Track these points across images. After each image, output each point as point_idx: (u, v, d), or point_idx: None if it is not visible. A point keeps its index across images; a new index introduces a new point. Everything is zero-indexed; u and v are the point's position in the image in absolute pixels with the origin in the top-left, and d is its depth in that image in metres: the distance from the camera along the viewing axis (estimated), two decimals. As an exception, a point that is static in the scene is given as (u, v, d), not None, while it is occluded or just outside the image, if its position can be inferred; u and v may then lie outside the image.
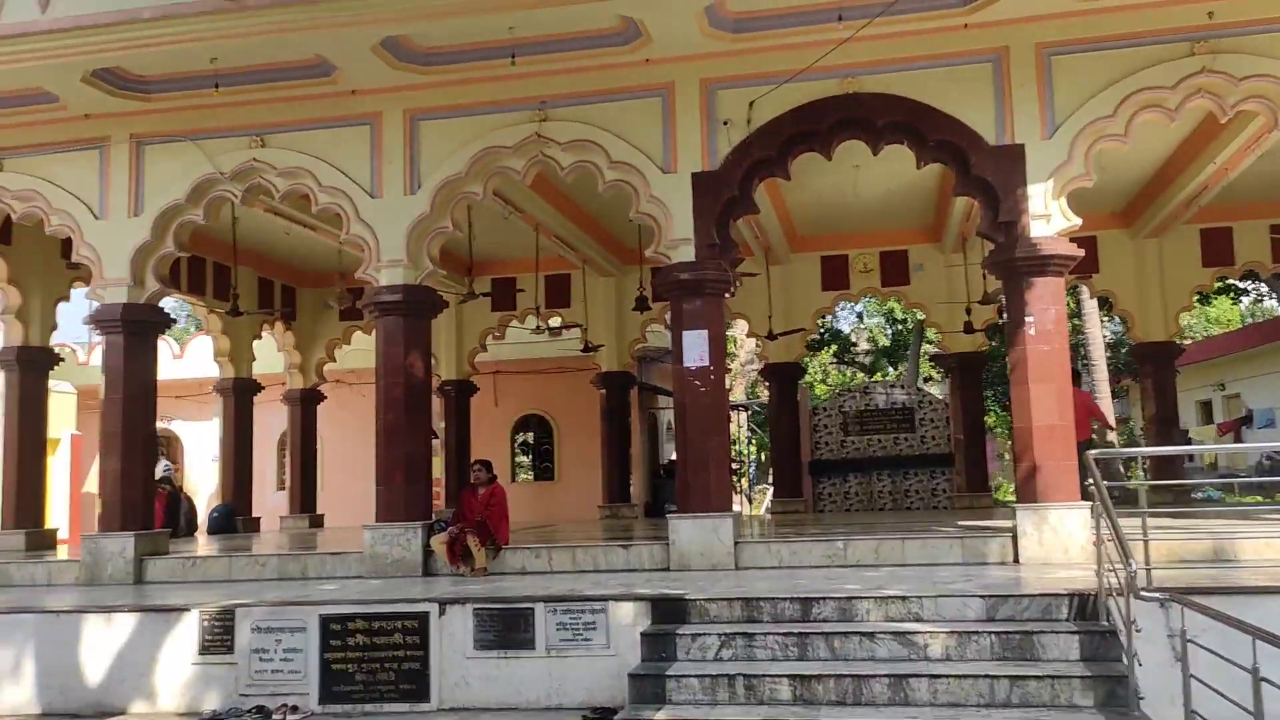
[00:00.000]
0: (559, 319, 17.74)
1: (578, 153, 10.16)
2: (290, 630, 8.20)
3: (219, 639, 8.31)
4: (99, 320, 10.91)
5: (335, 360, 18.87)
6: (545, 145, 10.22)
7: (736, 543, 9.51)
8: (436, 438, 20.02)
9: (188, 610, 8.39)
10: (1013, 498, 11.22)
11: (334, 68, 10.01)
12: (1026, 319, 9.26)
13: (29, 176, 11.12)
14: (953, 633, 6.77)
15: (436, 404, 18.43)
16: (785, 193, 13.67)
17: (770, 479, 21.78)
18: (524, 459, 23.30)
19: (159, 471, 16.32)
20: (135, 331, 10.99)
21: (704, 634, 7.15)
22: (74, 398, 22.37)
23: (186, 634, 8.33)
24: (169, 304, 13.18)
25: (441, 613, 7.96)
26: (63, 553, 12.70)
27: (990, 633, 6.71)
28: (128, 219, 10.95)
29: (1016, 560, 9.02)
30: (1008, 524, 9.38)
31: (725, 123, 9.90)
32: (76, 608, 8.72)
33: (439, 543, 9.83)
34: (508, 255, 16.61)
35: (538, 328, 16.83)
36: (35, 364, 13.55)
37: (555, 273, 17.13)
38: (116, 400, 10.90)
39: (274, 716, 7.94)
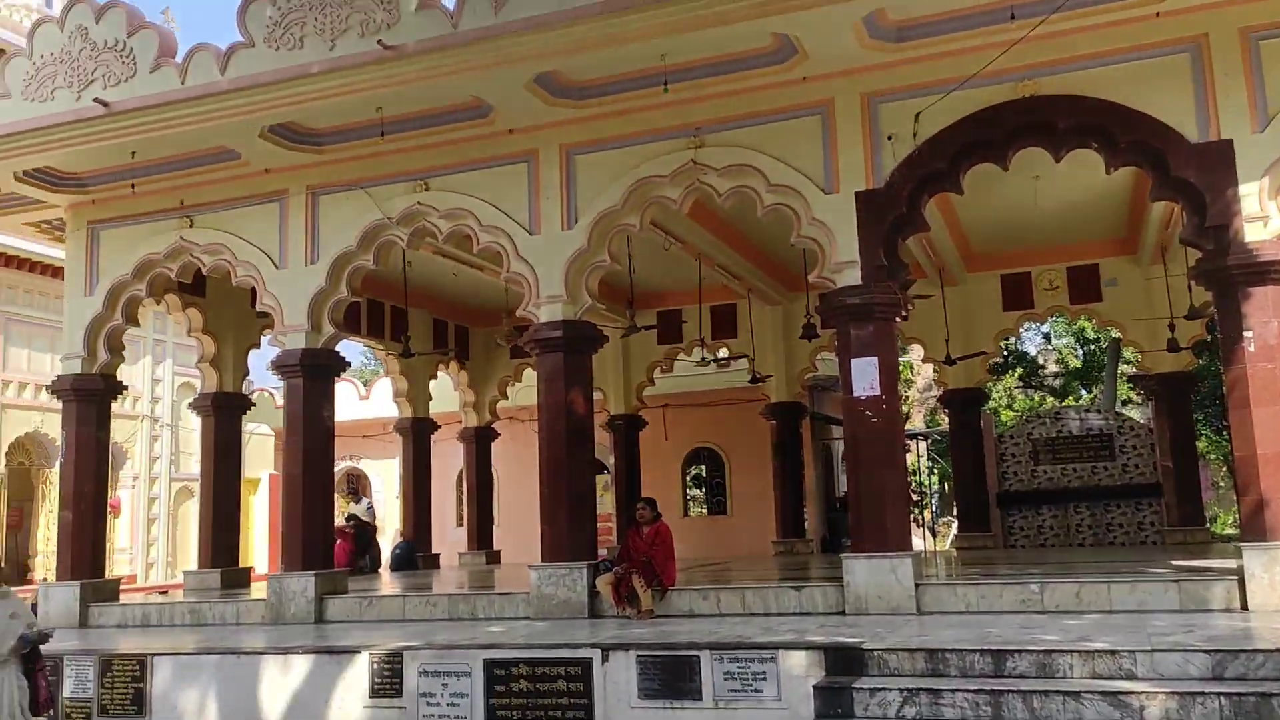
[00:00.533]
0: (725, 350, 17.40)
1: (735, 178, 9.84)
2: (456, 674, 8.10)
3: (388, 682, 8.30)
4: (280, 365, 11.29)
5: (508, 398, 19.14)
6: (701, 172, 9.95)
7: (918, 585, 8.86)
8: (605, 472, 20.02)
9: (359, 653, 8.43)
10: (1232, 531, 10.07)
11: (490, 108, 10.07)
12: (1245, 334, 8.28)
13: (216, 231, 11.67)
14: (1173, 694, 5.97)
15: (605, 439, 18.39)
16: (958, 209, 12.92)
17: (954, 511, 20.67)
18: (696, 492, 22.99)
19: (361, 510, 16.91)
20: (314, 375, 11.30)
21: (883, 689, 6.59)
22: (272, 439, 23.63)
23: (358, 676, 8.36)
24: (354, 348, 13.70)
25: (604, 659, 7.68)
26: (257, 590, 13.17)
27: (1218, 694, 5.88)
28: (305, 267, 11.31)
29: (1244, 607, 8.00)
30: (1232, 564, 8.37)
31: (890, 137, 9.37)
32: (255, 649, 8.90)
33: (604, 584, 9.61)
34: (671, 287, 16.42)
35: (703, 359, 16.53)
36: (229, 408, 14.23)
37: (720, 303, 16.83)
38: (297, 442, 11.24)
39: (441, 762, 7.84)
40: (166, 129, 10.25)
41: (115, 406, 19.03)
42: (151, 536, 19.79)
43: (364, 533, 16.64)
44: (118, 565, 19.40)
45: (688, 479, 21.88)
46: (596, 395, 17.21)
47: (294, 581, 10.86)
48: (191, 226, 11.73)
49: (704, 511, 21.98)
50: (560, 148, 10.45)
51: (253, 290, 11.90)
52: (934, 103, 9.13)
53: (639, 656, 7.61)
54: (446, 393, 19.78)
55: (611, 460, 18.36)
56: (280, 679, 8.59)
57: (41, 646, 7.37)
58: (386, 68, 9.35)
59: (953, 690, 6.39)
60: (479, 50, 9.02)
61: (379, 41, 9.24)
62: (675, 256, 13.65)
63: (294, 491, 11.16)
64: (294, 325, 11.24)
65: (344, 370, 11.75)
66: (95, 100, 10.24)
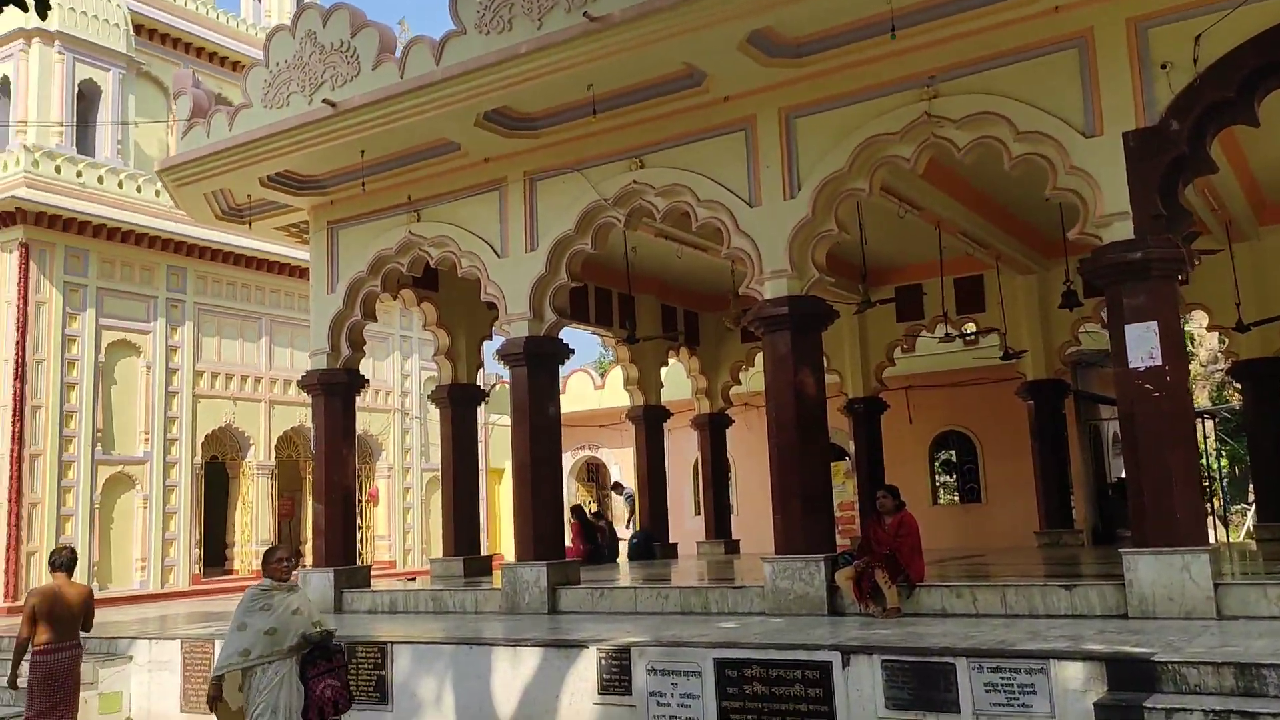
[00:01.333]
0: (973, 325, 16.08)
1: (976, 128, 8.81)
2: (685, 673, 7.64)
3: (617, 678, 7.96)
4: (504, 354, 11.25)
5: (740, 383, 18.61)
6: (937, 125, 8.99)
7: (1217, 585, 7.57)
8: (845, 458, 19.09)
9: (586, 647, 8.14)
10: None
11: (703, 75, 9.53)
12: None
13: (441, 223, 11.78)
14: None
15: (843, 424, 17.50)
16: (1247, 150, 11.21)
17: (1248, 499, 18.29)
18: (946, 479, 21.60)
19: (622, 501, 16.84)
20: (537, 363, 11.19)
21: (1182, 708, 5.53)
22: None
23: (586, 671, 8.07)
24: (581, 337, 13.60)
25: (845, 664, 6.98)
26: (499, 579, 13.32)
27: None
28: (525, 254, 11.21)
29: None
30: None
31: (1164, 66, 8.07)
32: (486, 640, 8.81)
33: (844, 578, 8.86)
34: (909, 259, 15.33)
35: (947, 335, 15.32)
36: (465, 400, 14.48)
37: (965, 274, 15.56)
38: (524, 430, 11.16)
39: (673, 766, 7.40)
40: (389, 123, 10.37)
41: (369, 400, 20.23)
42: (407, 525, 20.70)
43: (589, 523, 16.60)
44: (378, 551, 20.41)
45: (936, 465, 20.56)
46: (832, 378, 16.42)
47: (527, 571, 10.78)
48: (419, 221, 11.91)
49: (955, 499, 20.60)
50: (779, 112, 9.77)
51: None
52: (1218, 20, 7.78)
53: (885, 661, 6.87)
54: (680, 380, 19.51)
55: (851, 446, 17.44)
56: (511, 671, 8.44)
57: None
58: (594, 40, 8.99)
59: (1274, 715, 5.26)
60: (687, 11, 8.48)
61: (584, 14, 8.90)
62: (912, 225, 12.63)
63: (523, 480, 11.09)
64: (516, 314, 11.16)
65: (567, 358, 11.57)
66: (324, 101, 10.52)
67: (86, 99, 16.88)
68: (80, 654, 8.14)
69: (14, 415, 14.44)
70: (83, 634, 8.18)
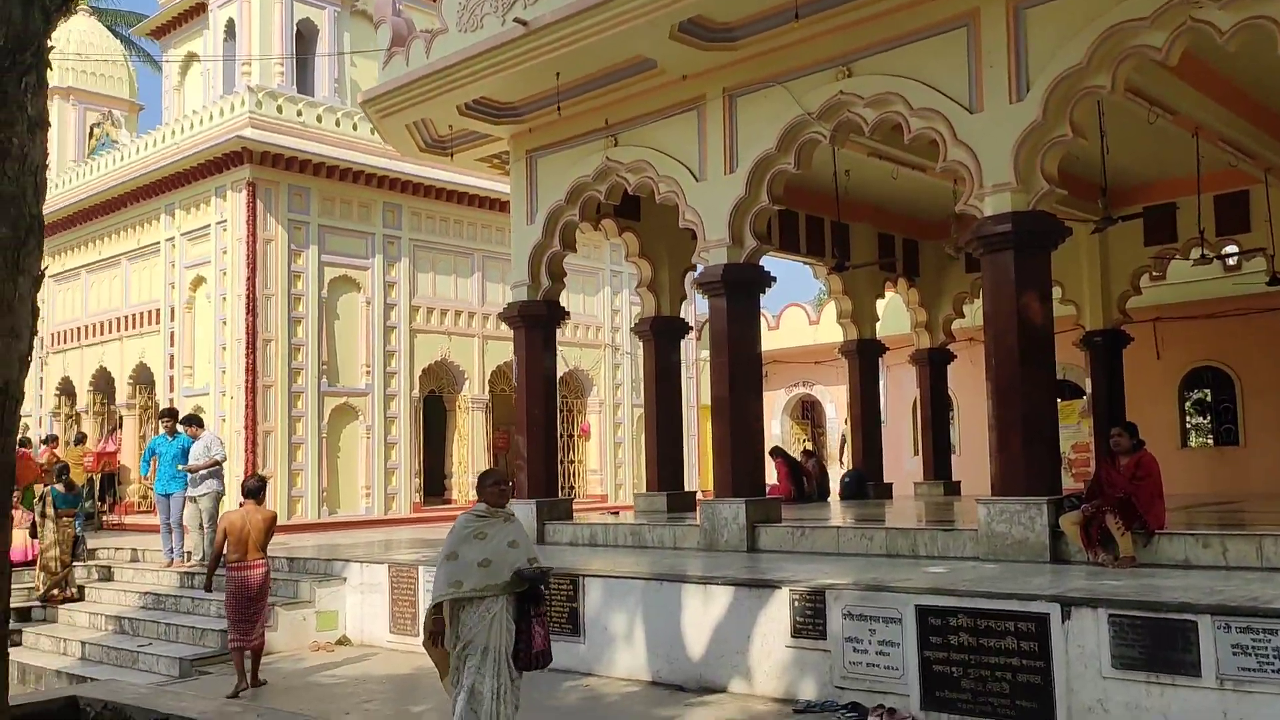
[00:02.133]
0: (1235, 247, 14.24)
1: (1243, 7, 7.50)
2: (884, 620, 7.05)
3: (810, 622, 7.46)
4: (703, 283, 10.80)
5: (964, 316, 17.41)
6: (1194, 7, 7.72)
7: None
8: (1082, 396, 17.59)
9: (779, 588, 7.67)
10: None
11: (916, -35, 8.59)
12: None
13: (638, 147, 11.39)
14: None
15: (1078, 359, 16.05)
16: None
17: None
18: (1199, 420, 19.56)
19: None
20: (736, 292, 10.67)
21: None
22: (723, 366, 23.80)
23: (779, 612, 7.62)
24: (797, 272, 12.89)
25: (1065, 616, 6.19)
26: (686, 520, 13.04)
27: None
28: (724, 177, 10.66)
29: None
30: None
31: None
32: (674, 575, 8.50)
33: (1070, 523, 7.94)
34: (1159, 173, 13.69)
35: (1203, 258, 13.59)
36: (668, 333, 14.16)
37: (1227, 190, 13.77)
38: (723, 364, 10.71)
39: (870, 718, 6.86)
40: (581, 39, 10.02)
41: (579, 335, 20.34)
42: (618, 459, 20.82)
43: (794, 461, 16.01)
44: (589, 485, 20.64)
45: (1187, 405, 18.62)
46: (1067, 309, 15.03)
47: (725, 508, 10.39)
48: (616, 145, 11.56)
49: (1208, 442, 18.63)
50: (1006, 2, 8.70)
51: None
52: None
53: (1112, 616, 6.05)
54: (898, 313, 18.50)
55: (1088, 384, 15.97)
56: (702, 609, 8.10)
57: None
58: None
59: None
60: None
61: (781, -98, 8.16)
62: (1163, 132, 11.15)
63: (722, 414, 10.67)
64: (715, 240, 10.66)
65: (768, 286, 10.96)
66: (515, 20, 10.28)
67: (305, 39, 17.53)
68: (267, 570, 8.83)
69: (248, 349, 15.32)
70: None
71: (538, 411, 12.38)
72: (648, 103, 11.28)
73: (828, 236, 15.69)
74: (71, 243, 19.48)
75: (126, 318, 18.04)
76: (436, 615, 5.77)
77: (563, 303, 12.91)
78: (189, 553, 12.12)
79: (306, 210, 16.21)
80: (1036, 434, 8.51)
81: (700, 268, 11.03)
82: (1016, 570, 7.77)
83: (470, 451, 18.18)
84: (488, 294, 18.42)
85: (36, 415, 20.18)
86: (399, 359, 17.16)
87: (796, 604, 7.50)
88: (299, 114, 16.31)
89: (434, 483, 18.75)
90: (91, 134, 20.90)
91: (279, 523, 14.86)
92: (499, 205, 17.81)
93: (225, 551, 8.62)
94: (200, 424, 12.21)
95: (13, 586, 11.43)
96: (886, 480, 16.60)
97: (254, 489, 8.91)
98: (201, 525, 11.81)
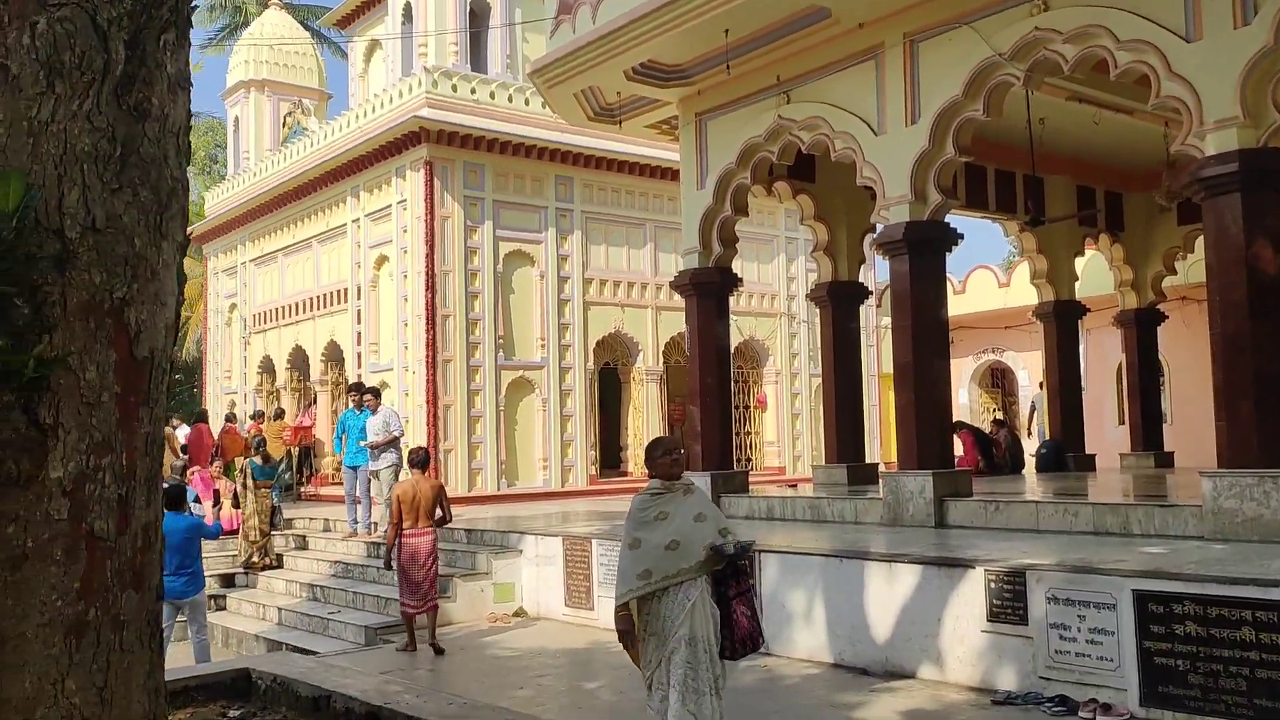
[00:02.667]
0: None
1: None
2: (1095, 605, 6.36)
3: (1009, 605, 6.84)
4: (883, 243, 10.17)
5: (1175, 273, 15.97)
6: None
7: None
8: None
9: (972, 567, 7.08)
10: None
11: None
12: None
13: (812, 103, 10.83)
14: None
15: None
16: None
17: None
18: None
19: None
20: (919, 251, 9.99)
21: None
22: (906, 334, 22.81)
23: (973, 594, 7.03)
24: (983, 232, 11.99)
25: (1317, 608, 5.37)
26: (868, 493, 12.44)
27: None
28: (905, 129, 9.98)
29: None
30: None
31: None
32: (855, 552, 8.01)
33: (1316, 500, 6.97)
34: None
35: None
36: (846, 298, 13.52)
37: None
38: (905, 328, 10.07)
39: (1081, 714, 6.22)
40: (747, -9, 9.55)
41: (754, 304, 19.87)
42: (795, 430, 20.28)
43: (982, 432, 15.06)
44: (767, 457, 20.20)
45: None
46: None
47: (910, 481, 9.78)
48: (788, 103, 11.03)
49: None
50: (1228, -91, 7.70)
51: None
52: None
53: (1376, 609, 5.19)
54: (1099, 272, 17.15)
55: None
56: (886, 589, 7.59)
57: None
58: None
59: None
60: None
61: None
62: None
63: (905, 381, 10.04)
64: (896, 197, 10.00)
65: (955, 244, 10.23)
66: (679, -23, 9.89)
67: (478, 16, 17.68)
68: (435, 538, 9.12)
69: (428, 324, 15.63)
70: (437, 524, 9.15)
71: (711, 381, 12.04)
72: (821, 55, 10.70)
73: (1019, 191, 14.61)
74: (269, 228, 20.45)
75: (318, 297, 18.79)
76: (624, 612, 5.00)
77: (735, 270, 12.49)
78: (375, 524, 12.45)
79: (481, 186, 16.38)
80: (1272, 397, 7.53)
81: (880, 228, 10.39)
82: (1250, 551, 6.89)
83: (645, 423, 18.06)
84: (660, 264, 18.19)
85: (242, 392, 21.38)
86: (573, 332, 17.18)
87: (993, 585, 6.90)
88: (472, 92, 16.47)
89: (610, 455, 18.75)
90: (285, 124, 21.85)
91: (462, 494, 15.28)
92: (670, 174, 17.46)
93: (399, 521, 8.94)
94: (377, 396, 12.50)
95: (218, 555, 11.97)
96: (1088, 452, 15.43)
97: (420, 460, 9.20)
98: (385, 498, 12.10)
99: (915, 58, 9.94)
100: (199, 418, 17.79)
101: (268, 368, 20.68)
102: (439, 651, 8.78)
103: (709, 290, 12.10)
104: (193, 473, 15.29)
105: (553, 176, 17.13)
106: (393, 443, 12.03)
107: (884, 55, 10.17)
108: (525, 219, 16.83)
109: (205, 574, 12.40)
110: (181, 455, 16.24)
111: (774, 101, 11.16)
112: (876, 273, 20.25)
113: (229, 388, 21.88)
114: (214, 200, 22.79)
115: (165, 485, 10.69)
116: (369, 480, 12.36)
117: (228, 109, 23.21)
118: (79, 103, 3.32)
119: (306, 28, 27.73)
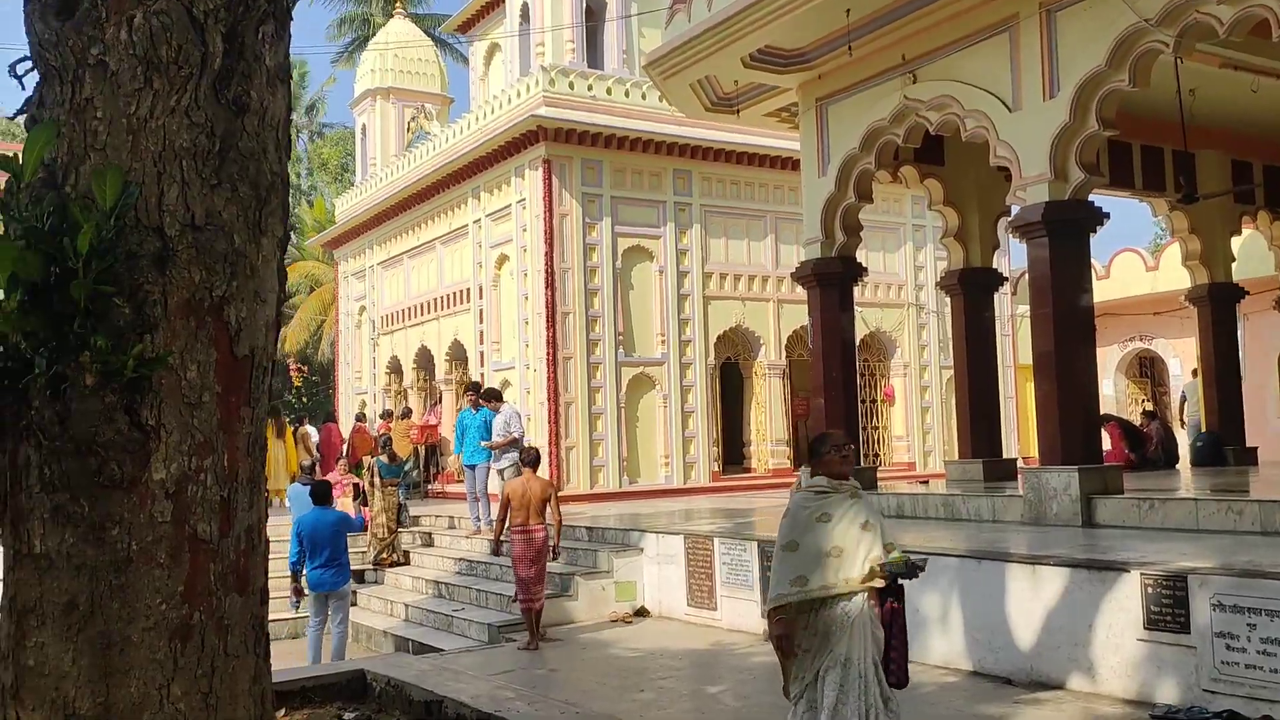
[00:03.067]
0: None
1: None
2: (1268, 613, 5.79)
3: (1168, 612, 6.30)
4: (1020, 225, 9.61)
5: (1344, 252, 14.76)
6: None
7: None
8: None
9: (1125, 571, 6.56)
10: None
11: None
12: None
13: (940, 82, 10.32)
14: None
15: None
16: None
17: None
18: None
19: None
20: (1060, 233, 9.39)
21: None
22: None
23: (1128, 599, 6.52)
24: (1129, 214, 11.26)
25: None
26: (1006, 489, 11.83)
27: None
28: (1042, 103, 9.41)
29: None
30: None
31: None
32: (995, 553, 7.55)
33: None
34: None
35: None
36: (978, 286, 12.92)
37: None
38: (1046, 315, 9.48)
39: (1252, 732, 5.67)
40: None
41: (880, 295, 19.28)
42: (925, 425, 19.59)
43: (1131, 425, 14.16)
44: (895, 453, 19.58)
45: None
46: None
47: (1053, 477, 9.21)
48: (914, 82, 10.54)
49: None
50: None
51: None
52: None
53: None
54: (1258, 253, 16.01)
55: None
56: (1030, 593, 7.12)
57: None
58: None
59: None
60: None
61: None
62: None
63: (1046, 371, 9.46)
64: (1033, 176, 9.43)
65: (1099, 225, 9.58)
66: (797, -44, 9.54)
67: (594, 13, 17.60)
68: (545, 535, 9.23)
69: (548, 322, 15.64)
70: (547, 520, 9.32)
71: (836, 374, 11.64)
72: (949, 31, 10.19)
73: (1168, 167, 13.71)
74: (395, 231, 20.87)
75: (441, 298, 19.06)
76: (779, 616, 4.52)
77: (859, 260, 12.05)
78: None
79: (599, 183, 16.30)
80: None
81: (1015, 210, 9.83)
82: None
83: (768, 419, 17.71)
84: (781, 257, 17.81)
85: (371, 392, 21.89)
86: (693, 327, 16.95)
87: (1150, 590, 6.37)
88: (589, 88, 16.41)
89: (732, 451, 18.46)
90: (409, 129, 22.28)
91: (584, 492, 15.24)
92: (791, 164, 17.06)
93: (509, 517, 9.15)
94: (499, 398, 12.52)
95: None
96: (1249, 445, 14.38)
97: (532, 460, 9.53)
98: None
99: (1053, 28, 9.35)
100: (328, 418, 18.25)
101: (395, 368, 21.11)
102: (545, 639, 9.08)
103: (832, 281, 11.70)
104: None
105: (671, 170, 16.94)
106: (513, 442, 12.03)
107: (1018, 27, 9.60)
108: (644, 214, 16.68)
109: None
110: (315, 454, 16.67)
111: (899, 82, 10.69)
112: (1010, 259, 19.40)
113: (359, 388, 22.43)
114: (343, 207, 23.40)
115: (309, 482, 10.89)
116: (488, 477, 12.39)
117: (355, 117, 23.80)
118: (177, 98, 3.24)
119: (429, 35, 28.25)
